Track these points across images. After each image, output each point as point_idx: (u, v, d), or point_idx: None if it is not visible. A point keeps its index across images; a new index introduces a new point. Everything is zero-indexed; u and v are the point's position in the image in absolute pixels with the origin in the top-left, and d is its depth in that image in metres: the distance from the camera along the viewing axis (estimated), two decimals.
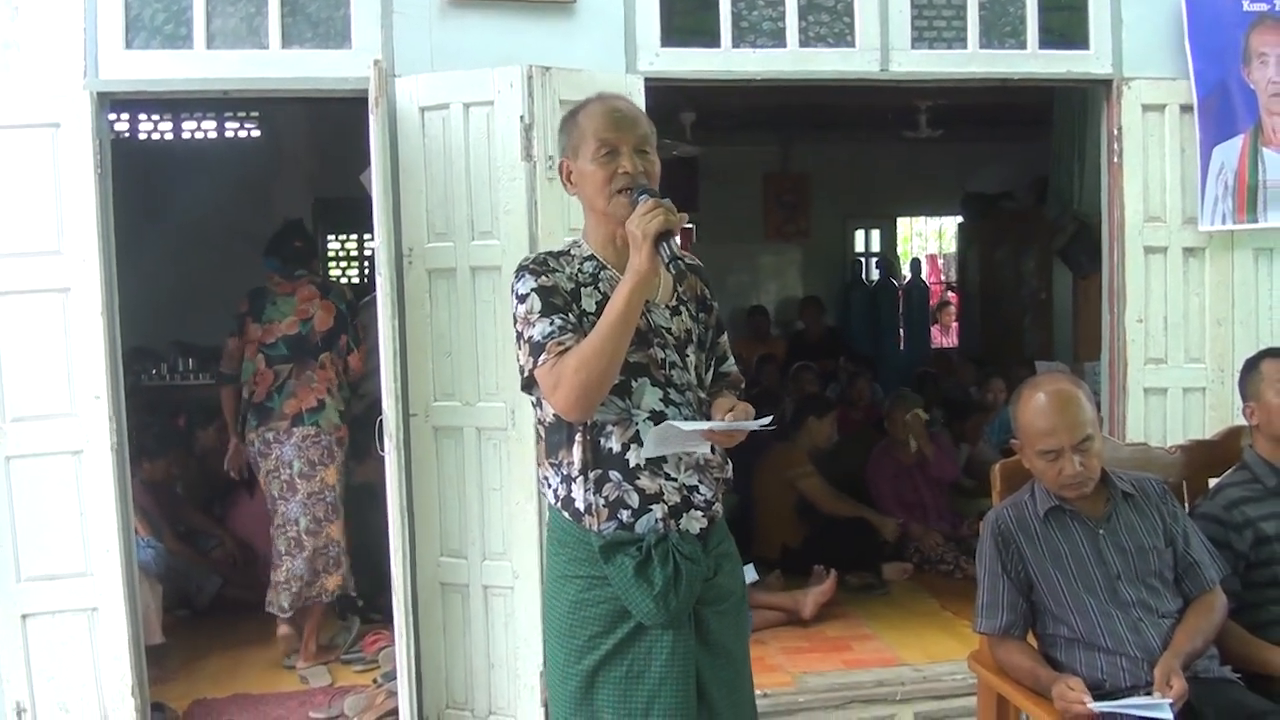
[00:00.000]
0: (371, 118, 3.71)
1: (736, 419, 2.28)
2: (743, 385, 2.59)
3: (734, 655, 2.45)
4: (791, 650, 4.74)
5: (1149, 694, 2.54)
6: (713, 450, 2.39)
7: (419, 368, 3.96)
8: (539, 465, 2.46)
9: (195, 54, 3.87)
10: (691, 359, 2.43)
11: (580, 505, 2.34)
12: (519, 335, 2.32)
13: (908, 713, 4.17)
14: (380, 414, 3.79)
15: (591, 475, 2.33)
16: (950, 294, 12.90)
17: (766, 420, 2.28)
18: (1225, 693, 2.69)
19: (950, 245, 13.71)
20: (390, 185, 3.82)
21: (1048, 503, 2.81)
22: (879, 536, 5.93)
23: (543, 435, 2.42)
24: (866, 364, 8.76)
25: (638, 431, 2.32)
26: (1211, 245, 4.43)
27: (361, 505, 5.34)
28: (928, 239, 14.99)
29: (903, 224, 13.03)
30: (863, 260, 11.84)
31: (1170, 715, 2.47)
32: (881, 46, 4.26)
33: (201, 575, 5.51)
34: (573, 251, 2.44)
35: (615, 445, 2.32)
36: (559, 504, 2.39)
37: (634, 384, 2.33)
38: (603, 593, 2.33)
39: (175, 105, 8.14)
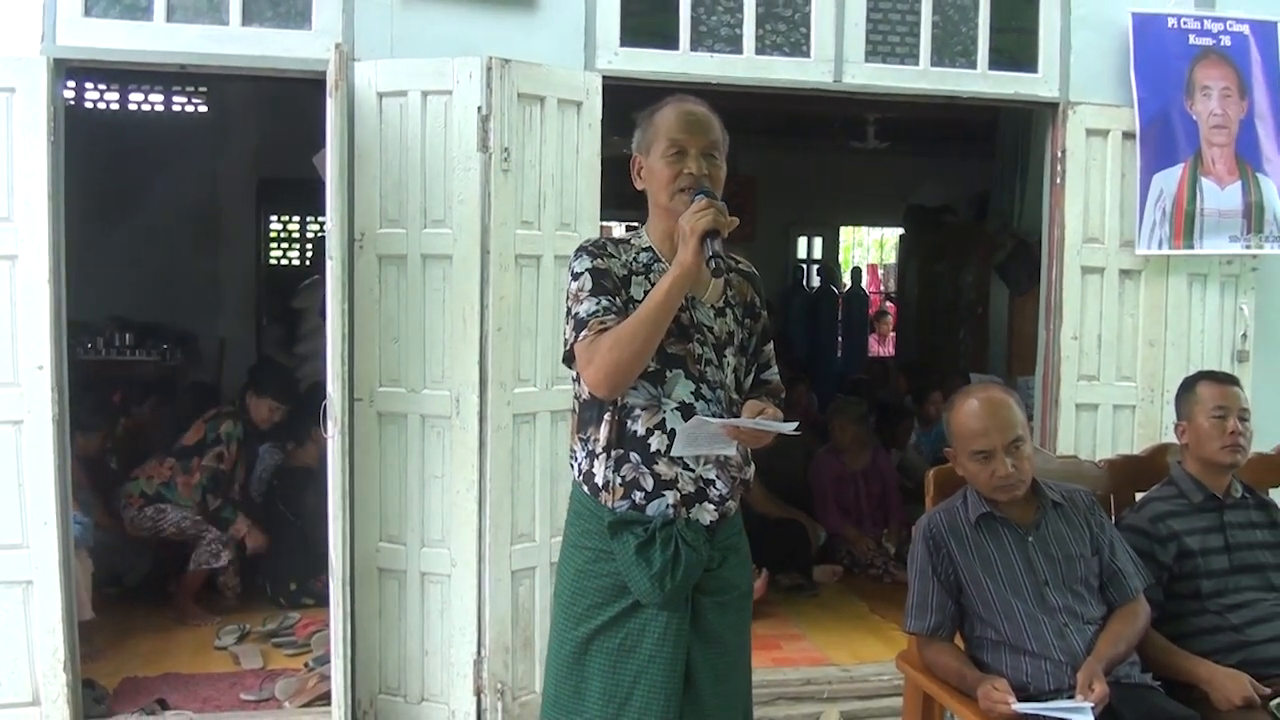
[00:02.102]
0: (330, 101, 3.70)
1: (764, 420, 2.35)
2: (783, 395, 2.66)
3: (729, 646, 2.52)
4: None
5: (1072, 697, 2.63)
6: (736, 450, 2.46)
7: (366, 353, 3.95)
8: (570, 438, 2.55)
9: (155, 26, 3.84)
10: (730, 360, 2.52)
11: (599, 481, 2.44)
12: (568, 311, 2.43)
13: (834, 711, 4.25)
14: (324, 397, 3.78)
15: (613, 454, 2.42)
16: (889, 304, 13.08)
17: (793, 425, 2.36)
18: (1145, 698, 2.78)
19: (891, 256, 13.92)
20: (345, 169, 3.81)
21: (979, 509, 2.90)
22: (811, 539, 6.02)
23: (576, 410, 2.52)
24: (804, 370, 8.86)
25: (664, 419, 2.41)
26: (1147, 268, 4.56)
27: (300, 488, 5.33)
28: (869, 249, 15.19)
29: (845, 233, 13.19)
30: (804, 267, 11.96)
31: (1091, 717, 2.56)
32: (836, 58, 4.34)
33: (133, 553, 5.45)
34: (633, 241, 2.54)
35: (640, 429, 2.41)
36: (581, 478, 2.49)
37: (668, 374, 2.42)
38: (607, 566, 2.43)
39: (124, 76, 8.02)
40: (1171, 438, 3.31)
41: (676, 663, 2.40)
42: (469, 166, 3.84)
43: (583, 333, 2.35)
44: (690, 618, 2.43)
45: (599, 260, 2.43)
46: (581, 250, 2.47)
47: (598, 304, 2.37)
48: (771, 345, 2.68)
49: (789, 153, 10.17)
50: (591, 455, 2.46)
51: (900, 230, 11.47)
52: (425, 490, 3.96)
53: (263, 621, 4.99)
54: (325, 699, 4.00)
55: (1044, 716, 2.60)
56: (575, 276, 2.43)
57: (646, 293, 2.38)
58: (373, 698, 4.00)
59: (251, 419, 5.62)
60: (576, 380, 2.49)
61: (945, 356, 9.36)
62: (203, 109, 8.71)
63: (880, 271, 14.86)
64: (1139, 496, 3.31)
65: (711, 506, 2.46)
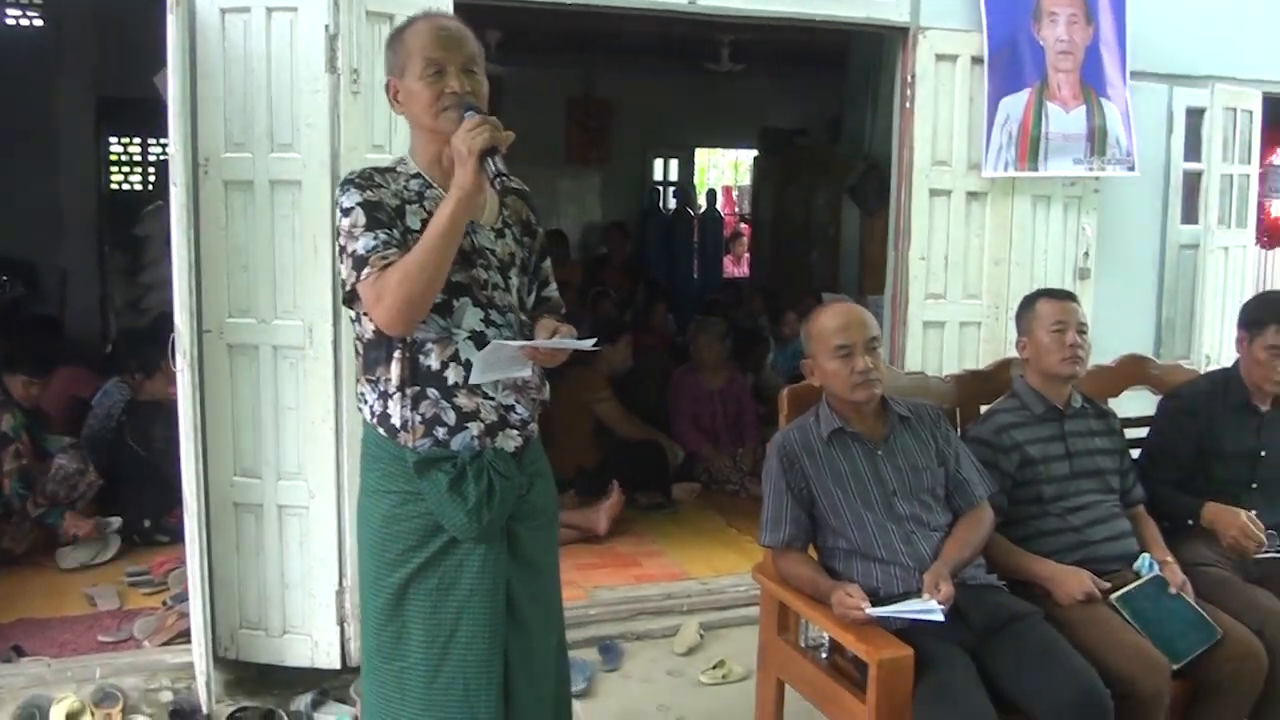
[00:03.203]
0: (170, 17, 3.52)
1: (562, 339, 2.33)
2: (563, 310, 2.63)
3: (543, 569, 2.53)
4: (584, 566, 4.88)
5: (920, 598, 2.76)
6: (532, 371, 2.44)
7: (214, 283, 3.82)
8: (357, 381, 2.45)
9: None
10: (514, 282, 2.46)
11: (396, 421, 2.35)
12: (342, 249, 2.30)
13: (693, 623, 4.36)
14: (171, 329, 3.67)
15: (409, 392, 2.34)
16: (743, 226, 13.23)
17: (591, 341, 2.35)
18: (990, 596, 2.94)
19: (745, 178, 14.04)
20: (187, 91, 3.66)
21: (831, 425, 2.99)
22: (669, 458, 6.12)
23: (361, 351, 2.42)
24: (664, 292, 8.93)
25: (457, 350, 2.34)
26: (993, 190, 4.71)
27: (150, 422, 5.18)
28: (724, 171, 15.30)
29: (700, 155, 13.26)
30: (660, 189, 12.00)
31: (940, 615, 2.69)
32: None
33: None
34: (399, 169, 2.43)
35: (434, 363, 2.34)
36: (375, 420, 2.40)
37: (455, 303, 2.34)
38: (415, 508, 2.36)
39: None
40: (1015, 353, 3.43)
41: (497, 593, 2.38)
42: (317, 89, 3.72)
43: (365, 270, 2.24)
44: (506, 546, 2.41)
45: (369, 192, 2.31)
46: (348, 184, 2.33)
47: (375, 238, 2.26)
48: (549, 261, 2.65)
49: (645, 75, 10.17)
50: (384, 396, 2.36)
51: (755, 153, 11.58)
52: (280, 422, 3.87)
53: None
54: (185, 636, 3.93)
55: (895, 618, 2.72)
56: (346, 212, 2.29)
57: (423, 221, 2.30)
58: (233, 633, 3.95)
59: (21, 398, 5.26)
60: (357, 320, 2.39)
61: (798, 277, 9.53)
62: (38, 23, 8.22)
63: (735, 194, 15.00)
64: (984, 409, 3.44)
65: (514, 432, 2.42)
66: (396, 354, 2.34)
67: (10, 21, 8.19)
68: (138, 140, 9.13)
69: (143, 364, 5.37)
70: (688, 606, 4.50)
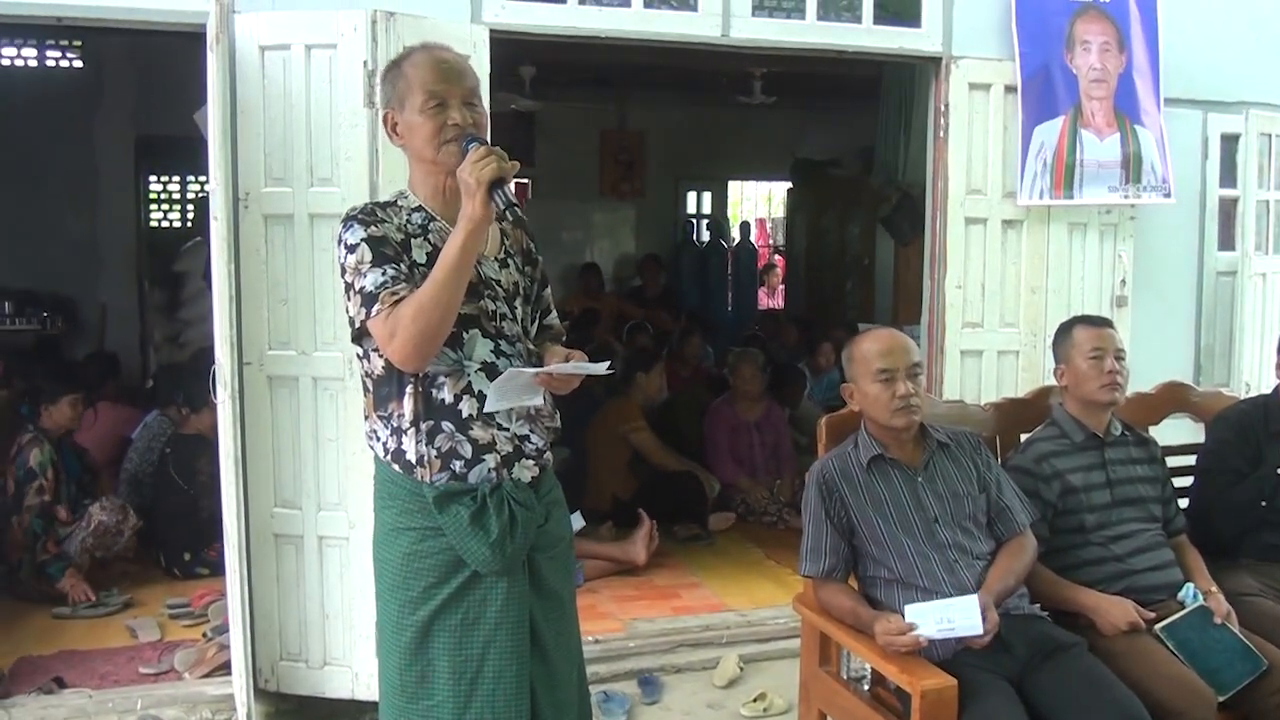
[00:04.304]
0: (210, 55, 3.59)
1: (575, 364, 2.33)
2: (564, 338, 2.64)
3: (563, 598, 2.52)
4: (622, 598, 4.87)
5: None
6: (544, 400, 2.43)
7: (254, 315, 3.87)
8: (366, 418, 2.43)
9: None
10: (520, 311, 2.47)
11: (411, 457, 2.34)
12: (349, 286, 2.29)
13: (733, 655, 4.33)
14: (213, 362, 3.71)
15: (423, 426, 2.32)
16: (777, 257, 13.24)
17: (604, 365, 2.35)
18: (1033, 626, 2.91)
19: (778, 210, 14.05)
20: (227, 127, 3.71)
21: (870, 451, 2.97)
22: (705, 490, 6.11)
23: (370, 388, 2.40)
24: (699, 324, 8.94)
25: (470, 383, 2.33)
26: (1029, 218, 4.70)
27: (194, 456, 5.22)
28: (757, 203, 15.32)
29: (733, 187, 13.29)
30: (694, 221, 12.04)
31: (979, 626, 2.64)
32: (723, 12, 4.35)
33: None
34: (400, 202, 2.42)
35: (448, 396, 2.33)
36: (388, 457, 2.38)
37: (465, 335, 2.34)
38: (436, 543, 2.34)
39: None
40: (1054, 381, 3.41)
41: (522, 626, 2.36)
42: (355, 123, 3.77)
43: (375, 307, 2.22)
44: (527, 578, 2.40)
45: (373, 227, 2.29)
46: (351, 220, 2.31)
47: (384, 274, 2.24)
48: (550, 290, 2.65)
49: (677, 108, 10.23)
50: (398, 431, 2.34)
51: (788, 184, 11.60)
52: (320, 453, 3.90)
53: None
54: (226, 668, 3.95)
55: (940, 640, 2.71)
56: (351, 249, 2.27)
57: (429, 254, 2.29)
58: (274, 664, 3.96)
59: (55, 428, 5.22)
60: (365, 358, 2.37)
61: (833, 308, 9.53)
62: (78, 64, 8.39)
63: (768, 225, 15.01)
64: (1023, 438, 3.41)
65: (530, 462, 2.41)
66: (409, 389, 2.32)
67: (51, 63, 8.35)
68: (176, 178, 9.26)
69: (188, 399, 5.40)
70: (727, 638, 4.48)
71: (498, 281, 2.42)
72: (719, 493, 6.22)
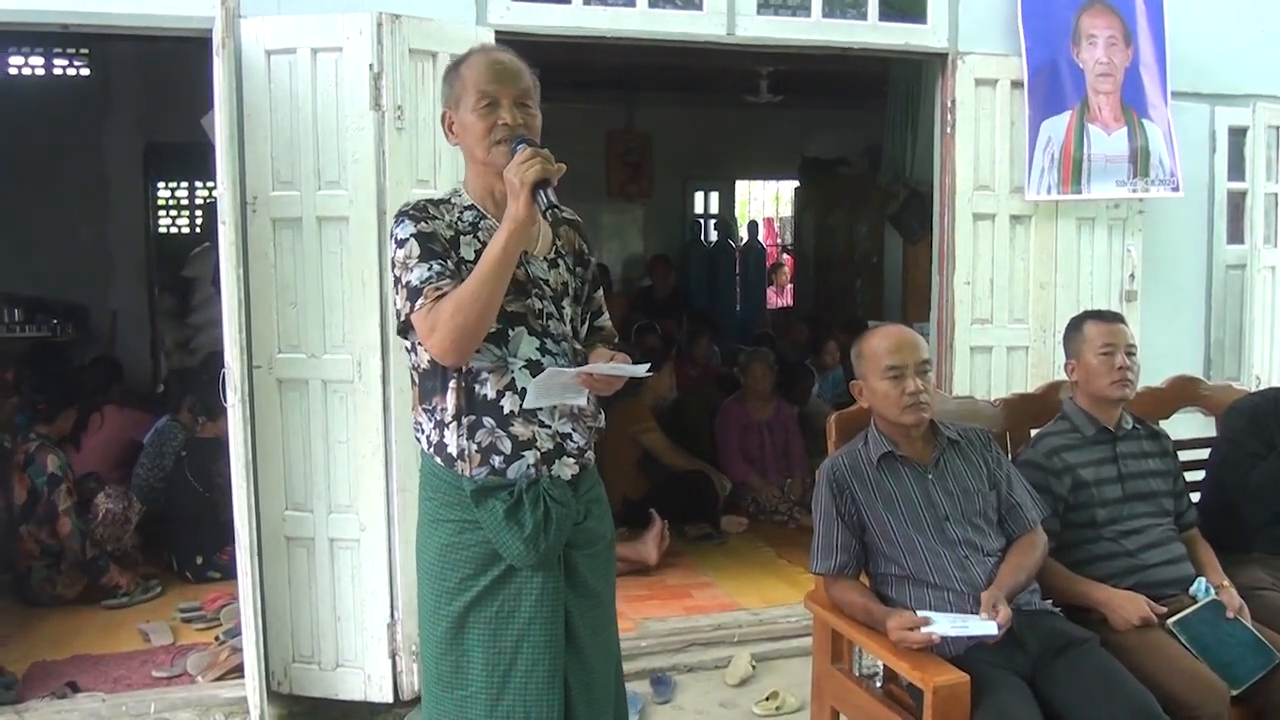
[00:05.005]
0: (217, 60, 3.60)
1: (615, 364, 2.35)
2: (616, 339, 2.66)
3: (601, 597, 2.53)
4: (634, 598, 4.87)
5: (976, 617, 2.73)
6: (587, 400, 2.44)
7: (263, 319, 3.88)
8: (413, 410, 2.48)
9: None
10: (568, 311, 2.49)
11: (453, 450, 2.37)
12: (397, 280, 2.33)
13: (745, 654, 4.33)
14: (223, 367, 3.72)
15: (465, 421, 2.36)
16: (785, 256, 13.23)
17: (644, 366, 2.35)
18: (1045, 622, 2.89)
19: (786, 209, 14.04)
20: (235, 131, 3.72)
21: (881, 449, 2.97)
22: (717, 489, 6.11)
23: (416, 381, 2.45)
24: (709, 323, 8.94)
25: (513, 379, 2.36)
26: (1037, 214, 4.69)
27: (211, 459, 5.24)
28: (765, 202, 15.31)
29: (741, 187, 13.28)
30: (702, 221, 12.03)
31: (994, 626, 2.66)
32: (728, 10, 4.35)
33: None
34: (453, 200, 2.46)
35: (490, 392, 2.36)
36: (431, 449, 2.42)
37: (511, 332, 2.37)
38: (474, 536, 2.38)
39: (2, 38, 7.72)
40: (1064, 375, 3.40)
41: (556, 621, 2.38)
42: (362, 126, 3.78)
43: (419, 301, 2.27)
44: (563, 574, 2.42)
45: (423, 224, 2.34)
46: (403, 215, 2.37)
47: (430, 269, 2.28)
48: (601, 291, 2.68)
49: (684, 108, 10.22)
50: (441, 425, 2.39)
51: (795, 183, 11.59)
52: (330, 456, 3.91)
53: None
54: (238, 671, 3.96)
55: (953, 638, 2.70)
56: (400, 243, 2.32)
57: (477, 252, 2.33)
58: (286, 666, 3.97)
59: (57, 435, 5.34)
60: (412, 350, 2.42)
61: (842, 306, 9.52)
62: (85, 72, 8.42)
63: (776, 224, 15.01)
64: (1034, 433, 3.41)
65: (571, 460, 2.43)
66: (452, 383, 2.36)
67: (58, 71, 8.37)
68: (185, 184, 9.28)
69: (204, 404, 5.41)
70: (739, 637, 4.48)
71: (545, 281, 2.45)
72: (730, 492, 6.21)
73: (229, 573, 4.23)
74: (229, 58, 3.65)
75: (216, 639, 4.38)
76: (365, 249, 3.79)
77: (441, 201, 2.45)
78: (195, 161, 5.91)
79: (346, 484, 3.91)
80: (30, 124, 7.75)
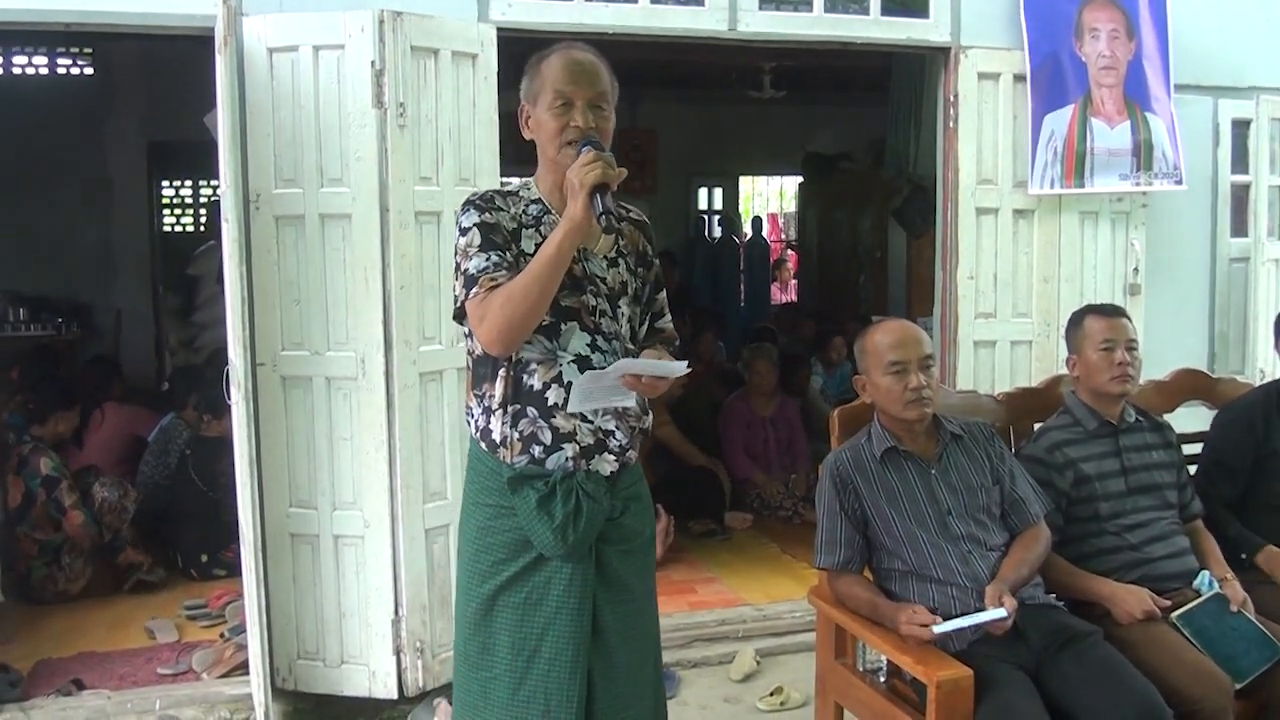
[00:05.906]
0: (219, 58, 3.60)
1: (650, 361, 2.36)
2: (676, 342, 2.66)
3: (635, 592, 2.54)
4: None
5: (981, 608, 2.72)
6: (635, 401, 2.45)
7: (266, 316, 3.89)
8: (466, 394, 2.52)
9: None
10: (624, 311, 2.50)
11: (496, 437, 2.41)
12: (457, 267, 2.38)
13: (749, 649, 4.33)
14: (227, 364, 3.72)
15: (510, 409, 2.40)
16: (789, 252, 13.23)
17: (683, 364, 2.36)
18: (1049, 616, 2.90)
19: (790, 204, 14.03)
20: (237, 129, 3.73)
21: (884, 444, 2.97)
22: (723, 486, 6.11)
23: (470, 367, 2.49)
24: (713, 319, 8.93)
25: (560, 373, 2.39)
26: (1040, 207, 4.69)
27: (216, 458, 5.25)
28: (768, 198, 15.31)
29: (745, 183, 13.27)
30: (705, 218, 12.03)
31: (1004, 610, 2.66)
32: (730, 6, 4.35)
33: None
34: (521, 193, 2.49)
35: (536, 383, 2.39)
36: (478, 434, 2.46)
37: (563, 327, 2.40)
38: (508, 522, 2.42)
39: (5, 38, 7.74)
40: (1066, 370, 3.40)
41: (583, 613, 2.41)
42: (364, 123, 3.78)
43: (474, 289, 2.32)
44: (595, 567, 2.44)
45: (487, 214, 2.39)
46: (469, 204, 2.42)
47: (488, 259, 2.33)
48: (664, 293, 2.69)
49: (687, 104, 10.23)
50: (488, 411, 2.43)
51: (799, 178, 11.58)
52: (334, 453, 3.92)
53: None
54: (243, 668, 3.97)
55: (961, 630, 2.69)
56: (464, 231, 2.38)
57: (538, 246, 2.35)
58: (291, 663, 3.98)
59: (52, 437, 5.35)
60: (469, 336, 2.44)
61: (846, 301, 9.51)
62: (88, 71, 8.43)
63: (780, 220, 15.00)
64: (1037, 427, 3.40)
65: (612, 457, 2.45)
66: (502, 372, 2.40)
67: (62, 70, 8.38)
68: (188, 183, 9.30)
69: (209, 402, 5.42)
70: (744, 633, 4.49)
71: (603, 279, 2.47)
72: (732, 489, 6.21)
73: (234, 570, 4.24)
74: (231, 56, 3.65)
75: (221, 636, 4.38)
76: (368, 246, 3.80)
77: (510, 193, 2.49)
78: (199, 160, 5.91)
79: (350, 481, 3.91)
80: (34, 123, 7.77)
